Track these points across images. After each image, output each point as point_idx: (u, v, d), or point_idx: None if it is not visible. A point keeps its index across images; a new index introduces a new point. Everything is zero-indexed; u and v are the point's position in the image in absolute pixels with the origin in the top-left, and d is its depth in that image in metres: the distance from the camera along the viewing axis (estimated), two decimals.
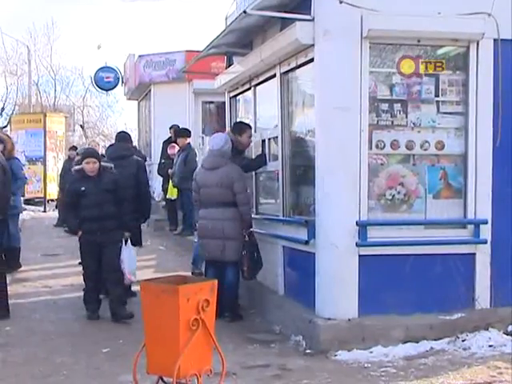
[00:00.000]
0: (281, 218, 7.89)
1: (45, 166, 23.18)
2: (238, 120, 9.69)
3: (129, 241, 8.34)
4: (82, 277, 8.39)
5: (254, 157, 8.81)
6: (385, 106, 6.80)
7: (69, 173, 11.96)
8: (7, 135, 11.94)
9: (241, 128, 8.63)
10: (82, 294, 8.35)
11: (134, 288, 8.26)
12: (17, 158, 11.18)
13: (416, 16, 6.60)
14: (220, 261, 7.92)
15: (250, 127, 8.70)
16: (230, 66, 9.82)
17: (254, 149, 8.88)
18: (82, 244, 8.29)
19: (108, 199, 8.08)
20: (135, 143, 17.99)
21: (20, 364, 6.36)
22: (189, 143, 13.73)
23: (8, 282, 9.72)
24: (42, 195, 23.08)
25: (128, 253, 8.19)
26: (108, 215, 8.04)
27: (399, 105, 6.82)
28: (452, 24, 6.69)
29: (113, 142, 11.39)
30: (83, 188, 8.07)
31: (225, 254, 7.84)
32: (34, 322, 8.01)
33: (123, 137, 9.91)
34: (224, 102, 10.46)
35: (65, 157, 21.16)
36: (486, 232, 6.85)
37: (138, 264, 8.68)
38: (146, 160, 14.61)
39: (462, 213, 6.92)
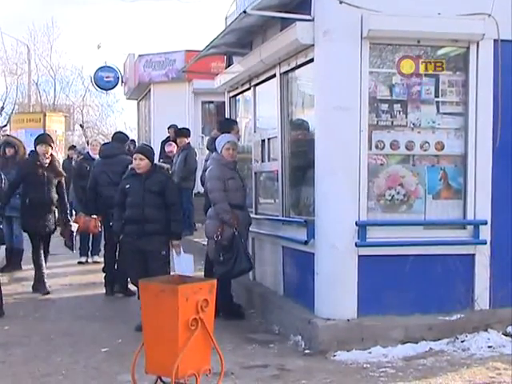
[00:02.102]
0: (280, 218, 7.88)
1: None
2: (224, 118, 9.71)
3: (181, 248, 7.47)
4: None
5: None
6: (385, 107, 6.80)
7: (68, 172, 11.97)
8: (19, 140, 11.94)
9: (228, 125, 8.60)
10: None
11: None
12: None
13: (416, 16, 6.59)
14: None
15: (237, 123, 8.70)
16: (229, 65, 9.83)
17: (254, 148, 8.87)
18: (124, 251, 7.57)
19: (150, 200, 7.36)
20: None
21: (19, 363, 6.35)
22: (188, 143, 13.75)
23: (7, 281, 9.77)
24: None
25: (185, 261, 6.70)
26: (148, 218, 7.33)
27: (399, 105, 6.81)
28: (452, 25, 6.69)
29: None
30: (128, 186, 7.49)
31: (208, 252, 7.91)
32: (33, 322, 7.99)
33: (118, 137, 10.08)
34: (224, 102, 10.46)
35: (64, 156, 21.15)
36: (485, 233, 6.84)
37: None
38: None
39: (462, 213, 6.92)
